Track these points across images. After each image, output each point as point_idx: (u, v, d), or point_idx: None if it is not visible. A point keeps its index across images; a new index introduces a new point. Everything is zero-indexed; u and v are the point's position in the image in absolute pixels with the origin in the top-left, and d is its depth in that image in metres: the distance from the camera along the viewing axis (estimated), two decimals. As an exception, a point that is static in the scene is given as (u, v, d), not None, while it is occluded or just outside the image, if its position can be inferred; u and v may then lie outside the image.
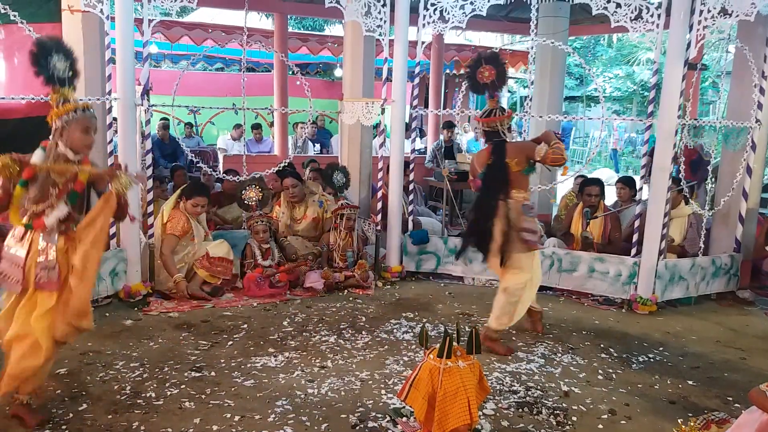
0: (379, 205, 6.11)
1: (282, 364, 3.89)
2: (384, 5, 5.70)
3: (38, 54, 2.97)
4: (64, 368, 3.71)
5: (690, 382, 3.84)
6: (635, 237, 5.38)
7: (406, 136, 6.20)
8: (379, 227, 6.12)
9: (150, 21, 5.01)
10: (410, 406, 2.94)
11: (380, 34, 5.78)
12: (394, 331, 4.54)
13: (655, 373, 3.97)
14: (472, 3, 5.61)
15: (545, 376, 3.84)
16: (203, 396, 3.42)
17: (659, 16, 5.08)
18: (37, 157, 3.00)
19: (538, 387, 3.67)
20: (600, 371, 3.96)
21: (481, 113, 4.29)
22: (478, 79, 4.27)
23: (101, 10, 4.77)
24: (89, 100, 5.14)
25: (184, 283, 5.10)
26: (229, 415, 3.22)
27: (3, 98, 5.61)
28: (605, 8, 5.24)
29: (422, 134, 12.30)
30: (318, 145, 11.49)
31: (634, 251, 5.37)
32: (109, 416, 3.17)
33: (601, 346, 4.40)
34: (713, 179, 6.60)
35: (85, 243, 3.02)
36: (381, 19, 5.72)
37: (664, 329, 4.83)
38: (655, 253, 5.19)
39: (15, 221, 3.05)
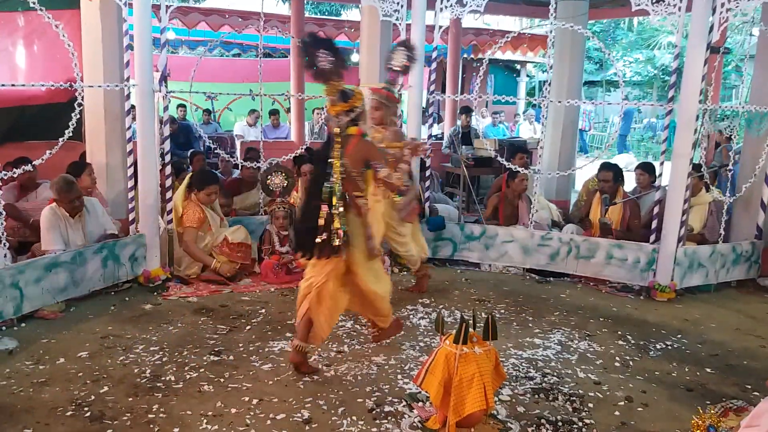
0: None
1: (299, 349, 3.92)
2: (402, -11, 5.65)
3: (306, 53, 3.37)
4: (85, 351, 3.78)
5: (708, 370, 3.82)
6: (654, 223, 5.33)
7: (422, 121, 6.16)
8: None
9: (167, 7, 5.02)
10: (426, 391, 2.96)
11: (397, 19, 5.73)
12: (411, 316, 4.56)
13: (673, 360, 3.95)
14: (491, -13, 5.54)
15: (562, 362, 3.84)
16: (222, 379, 3.47)
17: (681, -2, 4.98)
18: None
19: (555, 373, 3.66)
20: (617, 358, 3.94)
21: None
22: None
23: (119, -3, 4.79)
24: (108, 86, 5.19)
25: (226, 266, 5.18)
26: (247, 398, 3.26)
27: (23, 85, 5.69)
28: (626, -9, 5.16)
29: (439, 120, 12.24)
30: (335, 131, 11.46)
31: (653, 238, 5.32)
32: (130, 399, 3.23)
33: (619, 332, 4.38)
34: (735, 164, 6.47)
35: None
36: (398, 3, 5.67)
37: (682, 316, 4.79)
38: (674, 240, 5.14)
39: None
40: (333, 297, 3.58)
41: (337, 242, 3.41)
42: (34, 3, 4.31)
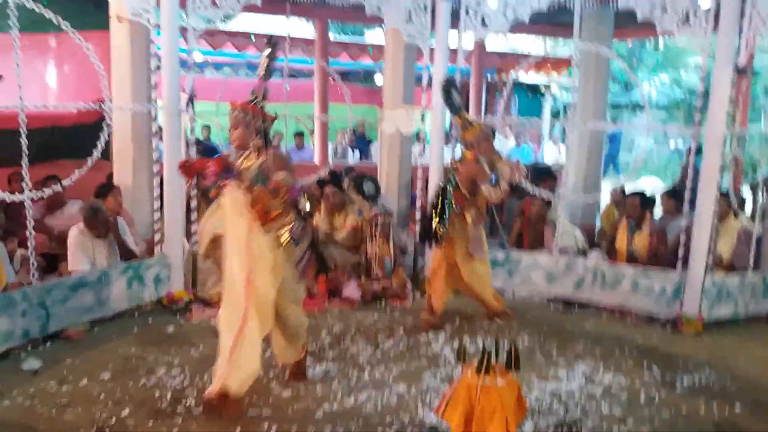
0: (418, 214, 6.07)
1: (320, 375, 3.90)
2: (425, 12, 5.67)
3: (447, 92, 4.67)
4: (108, 373, 3.80)
5: (738, 407, 3.70)
6: (681, 251, 5.21)
7: (445, 142, 6.15)
8: (417, 237, 6.08)
9: (194, 29, 5.09)
10: (447, 423, 2.91)
11: (421, 42, 5.75)
12: (432, 344, 4.50)
13: (701, 395, 3.84)
14: (514, 10, 5.54)
15: (586, 396, 3.75)
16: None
17: (708, 20, 4.91)
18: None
19: (579, 407, 3.58)
20: (643, 392, 3.84)
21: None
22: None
23: (148, 20, 4.87)
24: (136, 107, 5.27)
25: None
26: (266, 425, 3.24)
27: (55, 105, 5.80)
28: (651, 13, 5.11)
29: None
30: (357, 152, 11.52)
31: (680, 265, 5.19)
32: (150, 423, 3.23)
33: (645, 366, 4.26)
34: (765, 190, 6.33)
35: None
36: (422, 25, 5.70)
37: (711, 349, 4.65)
38: (701, 269, 5.00)
39: None
40: (441, 278, 4.81)
41: (438, 236, 4.60)
42: (66, 25, 4.40)
